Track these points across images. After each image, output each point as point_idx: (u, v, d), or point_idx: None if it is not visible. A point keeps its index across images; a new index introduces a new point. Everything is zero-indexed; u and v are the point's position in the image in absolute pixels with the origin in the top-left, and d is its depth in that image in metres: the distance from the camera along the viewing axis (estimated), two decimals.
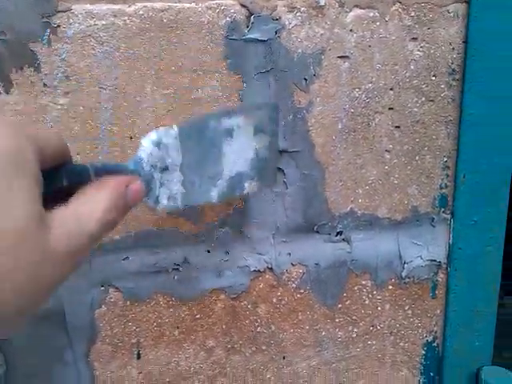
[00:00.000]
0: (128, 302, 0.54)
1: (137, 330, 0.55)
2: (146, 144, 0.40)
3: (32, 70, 0.46)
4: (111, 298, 0.53)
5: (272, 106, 0.48)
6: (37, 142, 0.30)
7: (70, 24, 0.46)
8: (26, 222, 0.27)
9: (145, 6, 0.47)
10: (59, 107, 0.48)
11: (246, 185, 0.46)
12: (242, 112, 0.45)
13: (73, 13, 0.46)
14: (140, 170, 0.39)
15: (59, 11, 0.46)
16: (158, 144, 0.40)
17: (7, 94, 0.47)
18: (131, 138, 0.50)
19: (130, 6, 0.47)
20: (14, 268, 0.26)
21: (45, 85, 0.47)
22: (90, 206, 0.32)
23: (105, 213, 0.32)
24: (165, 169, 0.41)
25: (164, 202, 0.41)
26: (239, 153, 0.45)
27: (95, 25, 0.47)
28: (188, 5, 0.48)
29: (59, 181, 0.34)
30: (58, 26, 0.46)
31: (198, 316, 0.56)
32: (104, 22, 0.47)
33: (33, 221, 0.27)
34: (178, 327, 0.56)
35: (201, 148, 0.43)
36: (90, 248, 0.32)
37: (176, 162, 0.41)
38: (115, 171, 0.37)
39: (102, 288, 0.53)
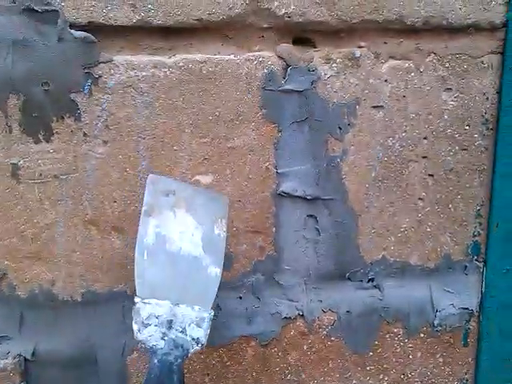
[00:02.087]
0: None
1: None
2: (147, 332, 0.38)
3: (73, 119, 0.43)
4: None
5: None
6: None
7: (112, 75, 0.42)
8: None
9: (185, 58, 0.43)
10: (98, 156, 0.44)
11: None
12: None
13: (114, 63, 0.42)
14: (157, 351, 0.37)
15: (101, 62, 0.42)
16: (145, 324, 0.38)
17: (47, 142, 0.43)
18: None
19: (170, 58, 0.43)
20: None
21: (85, 134, 0.43)
22: None
23: None
24: (170, 324, 0.38)
25: (199, 332, 0.39)
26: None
27: (136, 76, 0.43)
28: (227, 57, 0.44)
29: None
30: (100, 76, 0.42)
31: (228, 363, 0.50)
32: (145, 73, 0.43)
33: None
34: (208, 374, 0.50)
35: (169, 278, 0.39)
36: None
37: (164, 308, 0.38)
38: None
39: None
